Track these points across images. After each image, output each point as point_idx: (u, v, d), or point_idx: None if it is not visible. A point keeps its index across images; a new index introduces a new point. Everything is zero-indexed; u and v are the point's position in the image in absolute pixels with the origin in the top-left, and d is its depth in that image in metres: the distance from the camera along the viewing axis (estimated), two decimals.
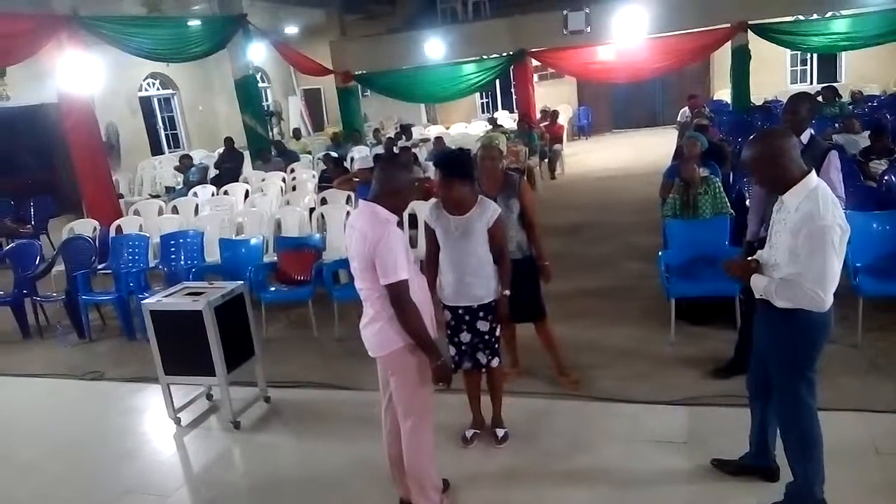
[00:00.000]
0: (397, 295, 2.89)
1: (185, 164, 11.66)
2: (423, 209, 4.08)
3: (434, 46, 14.10)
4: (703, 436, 3.75)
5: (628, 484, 3.44)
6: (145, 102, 16.05)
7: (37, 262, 6.92)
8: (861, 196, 5.71)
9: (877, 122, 8.61)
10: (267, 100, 18.67)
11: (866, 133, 7.91)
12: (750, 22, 12.01)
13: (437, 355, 3.00)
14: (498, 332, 3.77)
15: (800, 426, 2.90)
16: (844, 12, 11.88)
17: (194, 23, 11.10)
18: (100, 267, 6.89)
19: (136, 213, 8.47)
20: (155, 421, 4.76)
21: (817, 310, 2.70)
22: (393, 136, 13.71)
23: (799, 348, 2.84)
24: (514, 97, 16.91)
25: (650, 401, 4.19)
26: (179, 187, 11.07)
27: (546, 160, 12.59)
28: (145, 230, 7.52)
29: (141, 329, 5.89)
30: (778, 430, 3.07)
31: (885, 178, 6.36)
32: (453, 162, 3.58)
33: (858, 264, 4.59)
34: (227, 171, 11.15)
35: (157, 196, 11.14)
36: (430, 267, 3.76)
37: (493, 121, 15.15)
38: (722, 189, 5.40)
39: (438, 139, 11.70)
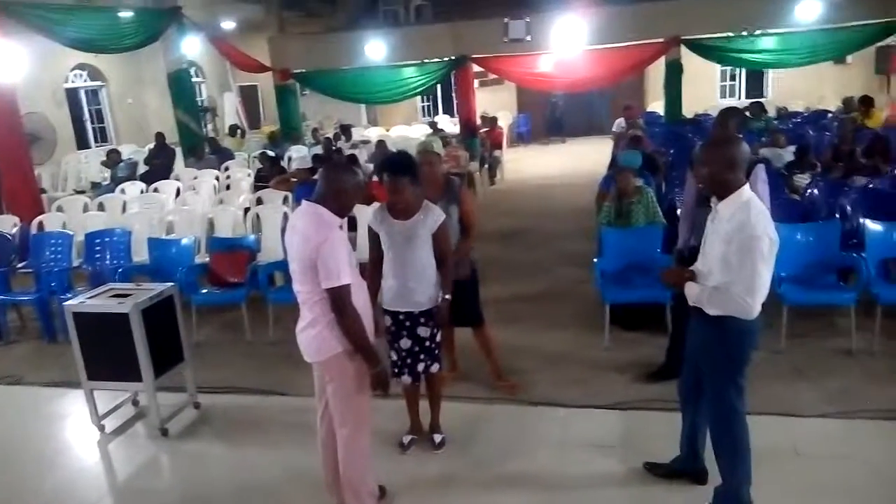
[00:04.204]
0: (339, 299, 2.84)
1: (112, 158, 11.27)
2: (365, 213, 4.03)
3: (375, 48, 14.01)
4: (635, 439, 3.84)
5: (561, 488, 3.49)
6: (71, 94, 15.37)
7: None
8: (786, 208, 5.94)
9: (801, 139, 9.02)
10: (201, 95, 18.19)
11: (791, 147, 8.27)
12: (683, 37, 12.41)
13: (377, 361, 2.97)
14: (439, 338, 3.76)
15: (730, 431, 2.99)
16: (772, 31, 12.40)
17: (126, 14, 10.70)
18: (19, 265, 6.62)
19: (60, 209, 8.15)
20: (77, 428, 4.55)
21: (746, 317, 2.80)
22: (332, 137, 13.58)
23: (728, 355, 2.93)
24: (454, 102, 16.96)
25: (584, 405, 4.27)
26: (106, 183, 10.70)
27: (486, 166, 12.67)
28: (69, 228, 7.19)
29: (62, 331, 5.65)
30: (708, 434, 3.16)
31: (808, 191, 6.66)
32: (399, 164, 3.56)
33: (783, 274, 4.77)
34: (158, 167, 10.81)
35: (82, 192, 10.72)
36: (373, 272, 3.71)
37: (433, 125, 15.18)
38: (654, 199, 5.54)
39: (381, 142, 11.58)
